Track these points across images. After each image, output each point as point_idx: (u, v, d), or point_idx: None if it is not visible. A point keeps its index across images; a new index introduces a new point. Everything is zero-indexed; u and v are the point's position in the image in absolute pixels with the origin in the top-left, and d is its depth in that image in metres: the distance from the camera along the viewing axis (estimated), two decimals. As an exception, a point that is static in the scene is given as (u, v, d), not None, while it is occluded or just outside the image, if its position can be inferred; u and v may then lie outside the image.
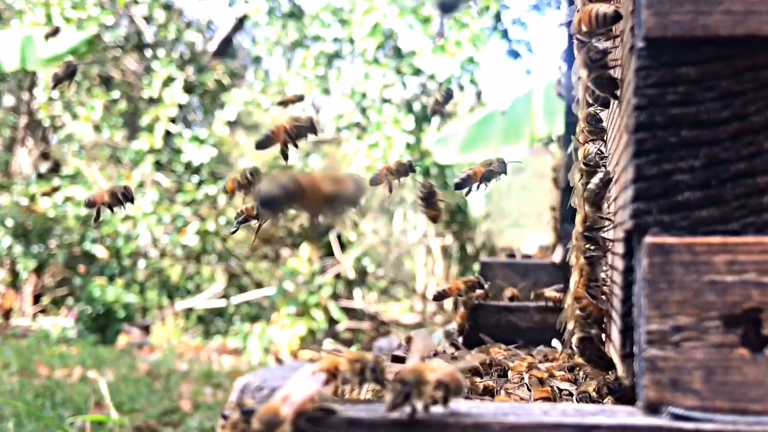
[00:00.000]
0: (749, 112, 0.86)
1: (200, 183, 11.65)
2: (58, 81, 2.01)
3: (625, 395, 1.01)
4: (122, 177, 11.43)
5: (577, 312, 1.18)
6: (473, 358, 1.41)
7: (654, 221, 0.87)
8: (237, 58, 13.93)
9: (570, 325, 1.22)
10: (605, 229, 1.22)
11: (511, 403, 1.04)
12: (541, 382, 1.31)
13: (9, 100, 13.30)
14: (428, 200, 1.59)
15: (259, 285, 12.37)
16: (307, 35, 11.75)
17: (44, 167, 12.62)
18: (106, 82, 12.42)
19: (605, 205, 1.21)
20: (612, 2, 1.14)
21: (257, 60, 12.98)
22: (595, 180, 1.18)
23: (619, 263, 1.01)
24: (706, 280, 0.84)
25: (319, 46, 11.56)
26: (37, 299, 11.94)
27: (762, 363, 0.82)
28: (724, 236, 0.85)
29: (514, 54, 12.53)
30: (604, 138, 1.28)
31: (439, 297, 1.88)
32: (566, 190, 2.66)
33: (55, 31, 3.75)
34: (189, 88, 12.06)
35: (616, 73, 1.13)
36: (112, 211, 1.66)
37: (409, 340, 1.65)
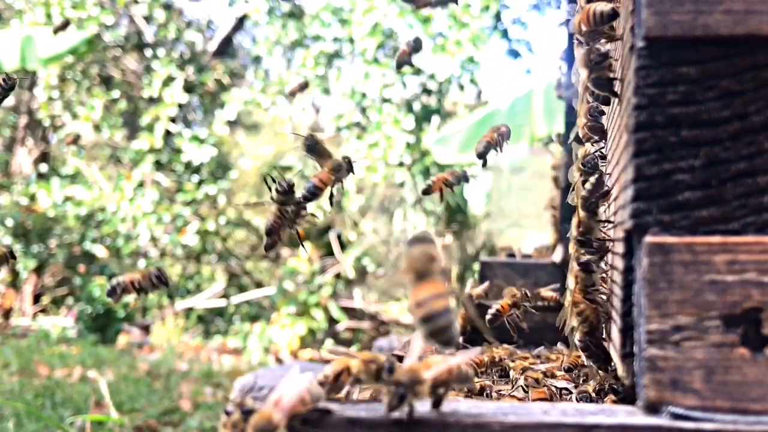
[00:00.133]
0: (749, 111, 0.86)
1: (200, 183, 11.65)
2: None
3: (627, 395, 1.01)
4: (122, 177, 11.44)
5: (576, 317, 1.17)
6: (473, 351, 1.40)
7: (654, 221, 0.87)
8: (237, 58, 13.92)
9: (573, 322, 1.21)
10: (602, 231, 1.21)
11: (511, 402, 1.04)
12: (537, 382, 1.31)
13: (9, 100, 13.26)
14: (313, 149, 1.51)
15: (259, 285, 12.37)
16: (307, 35, 11.75)
17: (44, 167, 12.61)
18: (106, 82, 12.42)
19: (602, 209, 1.21)
20: (612, 1, 1.14)
21: (257, 60, 12.97)
22: (588, 186, 1.18)
23: (619, 263, 1.01)
24: (706, 279, 0.84)
25: (319, 45, 11.55)
26: (37, 299, 11.94)
27: (762, 363, 0.81)
28: (725, 236, 0.85)
29: (514, 54, 12.53)
30: (605, 131, 1.27)
31: (493, 320, 1.70)
32: (566, 190, 2.66)
33: (65, 25, 3.67)
34: (189, 88, 12.05)
35: (616, 74, 1.13)
36: (146, 294, 1.61)
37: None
